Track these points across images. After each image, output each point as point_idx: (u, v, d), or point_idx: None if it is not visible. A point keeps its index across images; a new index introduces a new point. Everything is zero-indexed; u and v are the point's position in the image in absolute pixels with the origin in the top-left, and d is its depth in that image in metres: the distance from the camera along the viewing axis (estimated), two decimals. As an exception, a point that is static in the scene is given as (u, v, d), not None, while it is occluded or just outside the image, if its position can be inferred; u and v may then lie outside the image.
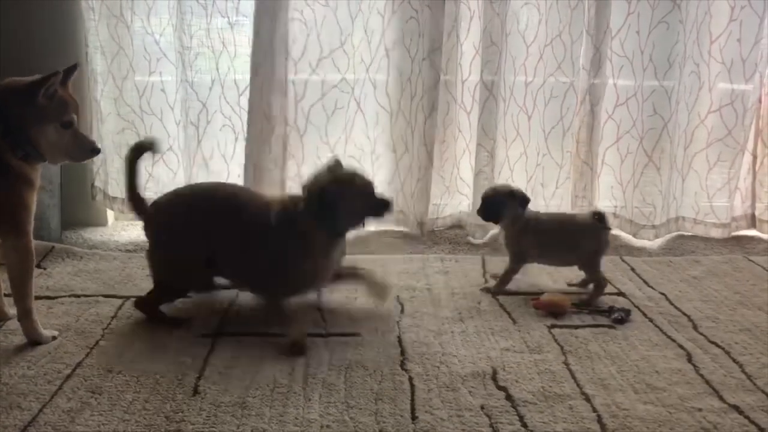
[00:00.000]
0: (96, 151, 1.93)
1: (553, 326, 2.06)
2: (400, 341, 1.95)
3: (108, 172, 2.90)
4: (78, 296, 2.23)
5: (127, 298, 2.20)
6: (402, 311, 2.16)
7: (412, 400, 1.66)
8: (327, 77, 2.79)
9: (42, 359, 1.81)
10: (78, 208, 2.95)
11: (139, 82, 2.83)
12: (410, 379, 1.75)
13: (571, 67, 2.80)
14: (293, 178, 2.83)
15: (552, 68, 2.81)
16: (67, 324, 2.02)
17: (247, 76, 2.82)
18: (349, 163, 2.72)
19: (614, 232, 2.97)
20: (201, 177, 2.88)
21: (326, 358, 1.85)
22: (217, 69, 2.83)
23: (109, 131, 2.85)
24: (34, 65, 2.67)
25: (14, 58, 2.71)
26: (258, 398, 1.65)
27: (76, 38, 2.79)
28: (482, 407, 1.63)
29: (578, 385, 1.74)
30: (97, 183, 2.94)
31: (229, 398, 1.65)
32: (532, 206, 2.36)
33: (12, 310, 2.06)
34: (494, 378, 1.76)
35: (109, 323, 2.04)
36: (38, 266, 2.44)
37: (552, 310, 2.15)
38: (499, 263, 2.58)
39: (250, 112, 2.74)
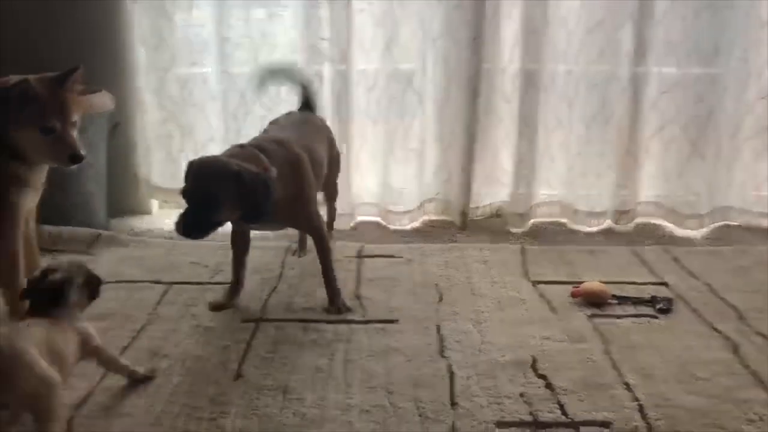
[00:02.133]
0: (76, 158, 1.84)
1: (594, 316, 2.04)
2: (438, 329, 1.96)
3: (150, 162, 2.96)
4: (124, 282, 2.28)
5: (171, 284, 2.25)
6: (440, 300, 2.16)
7: (452, 386, 1.67)
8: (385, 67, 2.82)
9: (91, 342, 1.86)
10: (124, 197, 3.02)
11: (181, 73, 2.88)
12: (449, 366, 1.76)
13: (613, 55, 2.75)
14: (365, 165, 2.91)
15: (594, 56, 2.76)
16: (114, 309, 2.06)
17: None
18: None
19: (658, 222, 2.93)
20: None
21: (366, 345, 1.87)
22: (257, 60, 2.86)
23: (151, 122, 2.91)
24: (79, 57, 2.77)
25: (60, 49, 2.79)
26: (299, 382, 1.67)
27: (120, 30, 2.85)
28: (522, 395, 1.63)
29: (620, 374, 1.72)
30: (141, 173, 3.00)
31: (271, 382, 1.68)
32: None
33: None
34: (534, 366, 1.76)
35: (155, 308, 2.09)
36: (86, 252, 2.52)
37: (591, 300, 2.12)
38: (539, 253, 2.56)
39: (337, 102, 2.80)
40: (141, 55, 2.82)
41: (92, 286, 1.66)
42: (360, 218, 2.96)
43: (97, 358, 1.60)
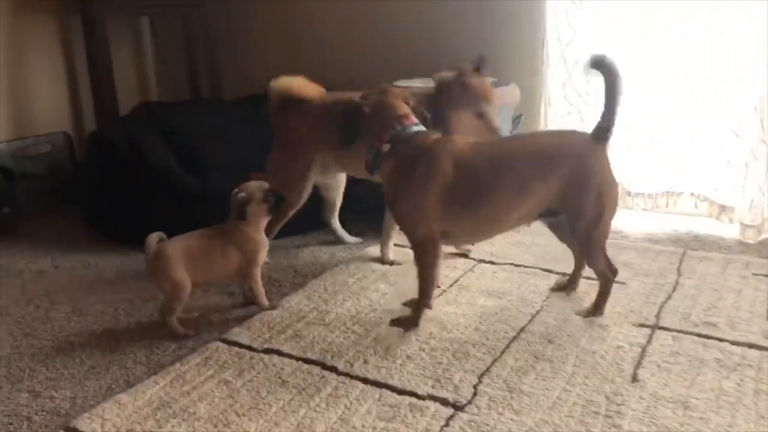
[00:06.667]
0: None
1: None
2: None
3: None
4: (517, 266, 2.40)
5: (563, 274, 2.28)
6: None
7: None
8: None
9: (491, 317, 2.01)
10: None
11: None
12: None
13: None
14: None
15: None
16: (509, 290, 2.20)
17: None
18: None
19: None
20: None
21: (782, 376, 1.66)
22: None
23: (556, 114, 2.98)
24: (497, 54, 3.00)
25: (482, 47, 3.04)
26: (702, 401, 1.57)
27: (535, 26, 2.99)
28: None
29: None
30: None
31: (669, 393, 1.60)
32: None
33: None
34: None
35: (548, 296, 2.16)
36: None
37: None
38: None
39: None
40: (554, 49, 2.91)
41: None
42: (773, 232, 2.64)
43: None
